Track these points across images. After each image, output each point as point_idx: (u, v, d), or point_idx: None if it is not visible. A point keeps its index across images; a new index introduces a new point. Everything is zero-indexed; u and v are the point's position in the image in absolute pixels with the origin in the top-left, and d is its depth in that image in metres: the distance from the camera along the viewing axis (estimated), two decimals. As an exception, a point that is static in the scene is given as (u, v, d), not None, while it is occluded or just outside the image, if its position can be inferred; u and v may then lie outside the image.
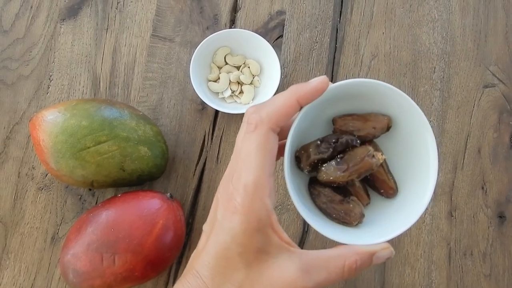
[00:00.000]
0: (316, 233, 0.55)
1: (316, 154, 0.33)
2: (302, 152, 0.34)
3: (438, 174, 0.32)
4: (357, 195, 0.35)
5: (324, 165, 0.33)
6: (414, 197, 0.32)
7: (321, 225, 0.31)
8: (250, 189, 0.26)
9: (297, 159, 0.35)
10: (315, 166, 0.34)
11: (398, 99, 0.31)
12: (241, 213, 0.26)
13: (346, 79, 0.60)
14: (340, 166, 0.32)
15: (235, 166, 0.28)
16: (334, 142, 0.32)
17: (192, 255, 0.31)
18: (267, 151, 0.27)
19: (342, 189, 0.35)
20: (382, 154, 0.32)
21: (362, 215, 0.33)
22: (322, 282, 0.26)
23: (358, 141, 0.33)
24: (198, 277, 0.27)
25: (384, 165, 0.34)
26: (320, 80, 0.29)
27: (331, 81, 0.55)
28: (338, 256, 0.27)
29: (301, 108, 0.30)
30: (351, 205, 0.33)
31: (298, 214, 0.58)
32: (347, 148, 0.33)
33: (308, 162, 0.34)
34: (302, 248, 0.57)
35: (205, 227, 0.30)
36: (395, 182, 0.35)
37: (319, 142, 0.33)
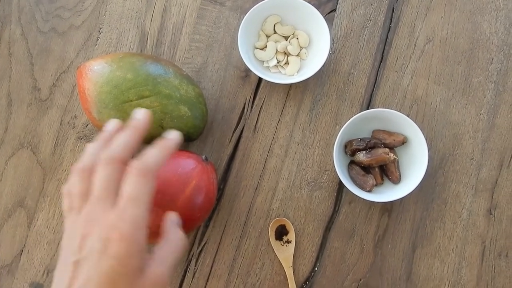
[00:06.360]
0: (346, 214, 0.55)
1: (356, 145, 0.54)
2: (349, 143, 0.56)
3: (424, 176, 0.52)
4: (374, 176, 0.55)
5: (358, 152, 0.55)
6: (408, 186, 0.53)
7: (348, 186, 0.53)
8: None
9: (345, 146, 0.56)
10: (354, 152, 0.55)
11: (410, 124, 0.53)
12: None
13: (397, 61, 0.58)
14: (367, 155, 0.54)
15: None
16: (368, 141, 0.54)
17: None
18: None
19: (367, 169, 0.56)
20: (394, 155, 0.53)
21: (373, 185, 0.54)
22: None
23: (382, 145, 0.54)
24: None
25: (395, 163, 0.55)
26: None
27: (379, 65, 0.54)
28: None
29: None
30: (368, 179, 0.54)
31: (329, 193, 0.57)
32: (375, 147, 0.54)
33: (350, 149, 0.55)
34: (330, 226, 0.56)
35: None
36: (400, 175, 0.55)
37: (359, 139, 0.55)
